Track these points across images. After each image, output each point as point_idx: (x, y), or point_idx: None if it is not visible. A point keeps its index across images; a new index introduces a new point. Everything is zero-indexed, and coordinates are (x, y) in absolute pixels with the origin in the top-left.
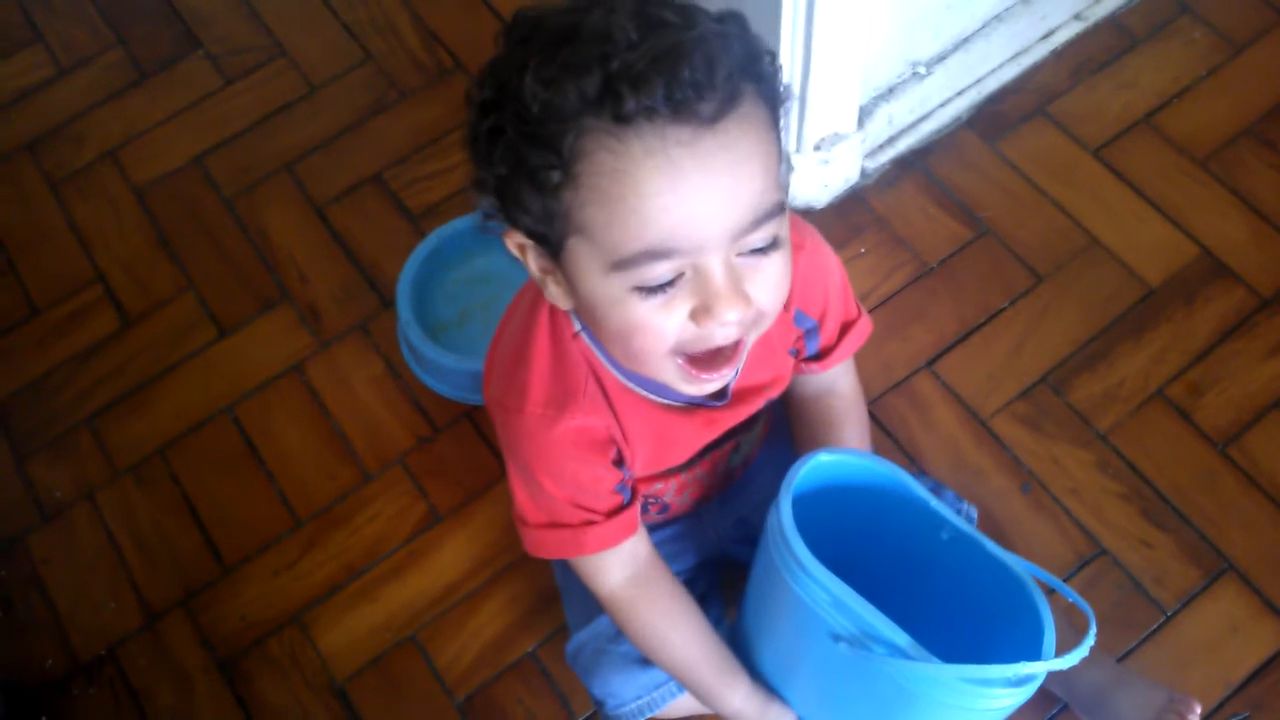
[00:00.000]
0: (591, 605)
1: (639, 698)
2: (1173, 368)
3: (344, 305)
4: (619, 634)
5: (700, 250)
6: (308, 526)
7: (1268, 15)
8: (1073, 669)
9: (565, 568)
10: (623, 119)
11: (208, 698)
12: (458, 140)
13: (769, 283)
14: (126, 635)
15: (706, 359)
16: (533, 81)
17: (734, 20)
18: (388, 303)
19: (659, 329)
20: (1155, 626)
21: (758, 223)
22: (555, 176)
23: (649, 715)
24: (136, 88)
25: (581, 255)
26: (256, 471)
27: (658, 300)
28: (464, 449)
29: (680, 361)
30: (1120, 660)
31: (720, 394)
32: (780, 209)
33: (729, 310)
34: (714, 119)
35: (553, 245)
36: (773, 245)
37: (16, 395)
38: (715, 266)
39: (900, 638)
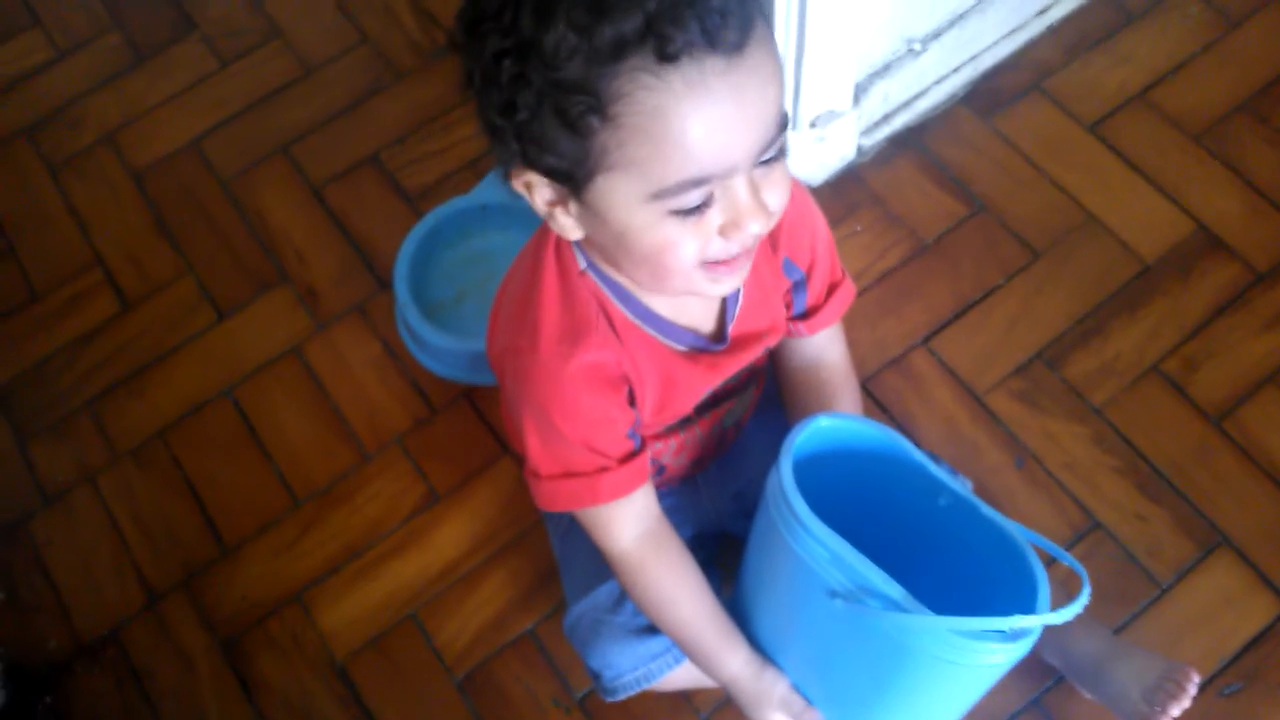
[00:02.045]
0: (590, 577)
1: (635, 669)
2: (1168, 343)
3: (342, 286)
4: (617, 605)
5: (733, 171)
6: (307, 507)
7: None
8: (1069, 639)
9: (564, 538)
10: (668, 58)
11: (209, 677)
12: (455, 120)
13: (778, 187)
14: (128, 616)
15: (727, 261)
16: (565, 28)
17: None
18: (385, 284)
19: (688, 246)
20: (1150, 600)
21: (776, 137)
22: (593, 120)
23: (645, 686)
24: (134, 71)
25: (615, 189)
26: (256, 453)
27: (691, 220)
28: (462, 429)
29: (701, 267)
30: (1116, 633)
31: (721, 338)
32: (786, 119)
33: (755, 222)
34: (740, 45)
35: (576, 182)
36: (781, 152)
37: (17, 379)
38: (741, 184)
39: (895, 591)
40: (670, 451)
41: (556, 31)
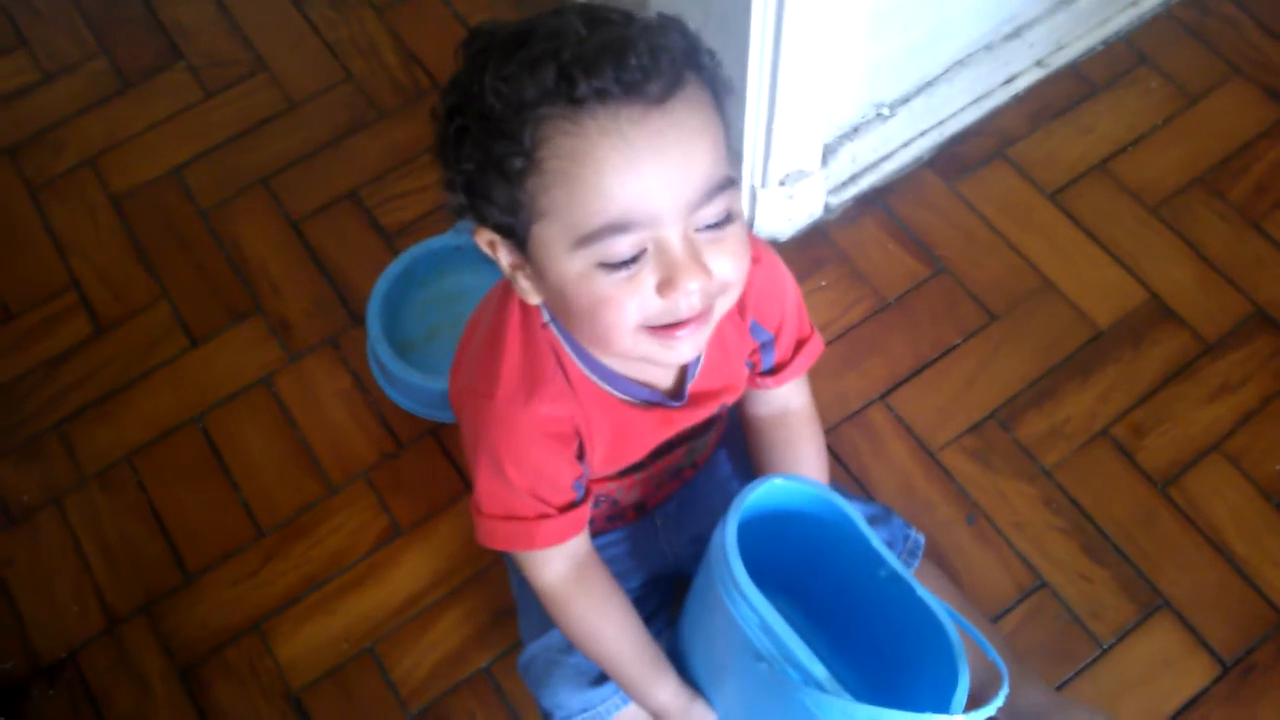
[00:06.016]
0: (546, 618)
1: (585, 710)
2: (1118, 408)
3: (315, 319)
4: (570, 647)
5: (658, 222)
6: (270, 537)
7: (1222, 69)
8: (1013, 693)
9: (522, 579)
10: (576, 101)
11: (165, 703)
12: (433, 161)
13: (728, 255)
14: (88, 639)
15: (676, 324)
16: (493, 79)
17: (674, 22)
18: (358, 318)
19: (623, 303)
20: (1092, 658)
21: (709, 195)
22: (518, 163)
23: None
24: (118, 97)
25: (547, 239)
26: (222, 481)
27: (622, 275)
28: (427, 465)
29: (649, 332)
30: (1058, 690)
31: (678, 395)
32: (730, 184)
33: (690, 280)
34: (661, 99)
35: (519, 236)
36: (727, 219)
37: None
38: (674, 239)
39: (818, 670)
40: (623, 488)
41: (488, 83)
